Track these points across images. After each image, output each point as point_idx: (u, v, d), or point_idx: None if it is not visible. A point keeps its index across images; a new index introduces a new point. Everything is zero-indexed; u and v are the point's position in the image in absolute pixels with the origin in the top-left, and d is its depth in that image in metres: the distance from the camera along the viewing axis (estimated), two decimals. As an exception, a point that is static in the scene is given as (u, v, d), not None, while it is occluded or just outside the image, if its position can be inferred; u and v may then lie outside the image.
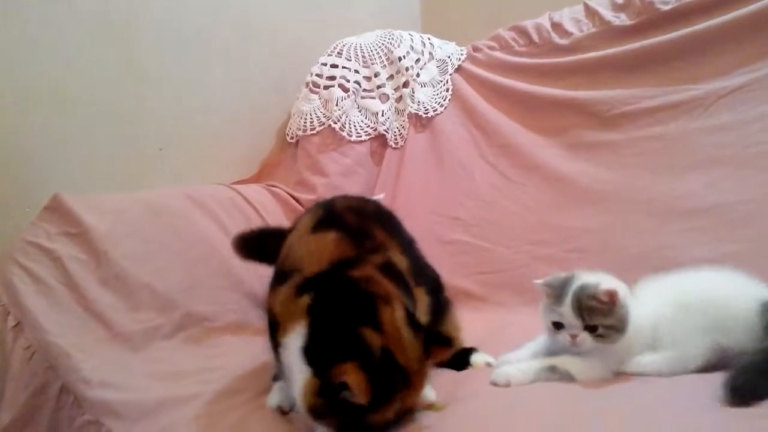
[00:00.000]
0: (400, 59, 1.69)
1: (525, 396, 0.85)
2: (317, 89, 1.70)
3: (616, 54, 1.44)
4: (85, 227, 1.14)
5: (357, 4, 2.05)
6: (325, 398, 0.70)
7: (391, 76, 1.71)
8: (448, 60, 1.70)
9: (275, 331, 0.81)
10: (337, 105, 1.66)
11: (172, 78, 1.51)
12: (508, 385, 0.88)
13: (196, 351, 1.09)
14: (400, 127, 1.66)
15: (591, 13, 1.52)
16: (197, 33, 1.56)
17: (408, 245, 0.96)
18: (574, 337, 0.87)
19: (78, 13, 1.32)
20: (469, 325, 1.07)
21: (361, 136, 1.66)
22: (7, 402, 0.96)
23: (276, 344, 0.84)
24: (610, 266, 0.96)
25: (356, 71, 1.70)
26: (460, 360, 1.00)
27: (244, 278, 1.29)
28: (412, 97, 1.66)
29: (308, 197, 1.57)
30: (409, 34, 1.76)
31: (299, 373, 0.73)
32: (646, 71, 1.39)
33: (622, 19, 1.46)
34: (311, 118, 1.67)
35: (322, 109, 1.68)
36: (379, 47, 1.73)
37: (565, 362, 0.89)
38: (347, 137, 1.65)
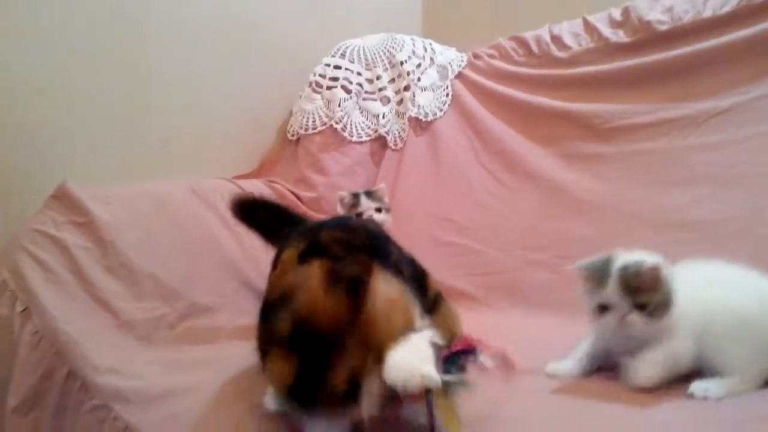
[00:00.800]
0: (401, 63, 1.73)
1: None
2: (320, 89, 1.73)
3: (613, 70, 1.49)
4: (92, 217, 1.16)
5: (358, 6, 2.07)
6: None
7: (393, 80, 1.75)
8: (448, 66, 1.74)
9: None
10: (339, 106, 1.69)
11: (177, 73, 1.53)
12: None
13: (200, 341, 1.11)
14: (400, 130, 1.70)
15: (590, 28, 1.57)
16: (203, 29, 1.58)
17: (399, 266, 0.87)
18: (622, 317, 0.84)
19: (86, 5, 1.34)
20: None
21: (361, 137, 1.70)
22: (14, 386, 0.98)
23: None
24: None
25: (359, 73, 1.74)
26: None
27: (246, 271, 1.32)
28: (412, 100, 1.69)
29: (309, 195, 1.60)
30: (411, 39, 1.80)
31: None
32: (640, 88, 1.44)
33: (619, 36, 1.51)
34: (314, 118, 1.70)
35: (324, 109, 1.71)
36: (382, 50, 1.76)
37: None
38: (348, 138, 1.68)
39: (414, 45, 1.78)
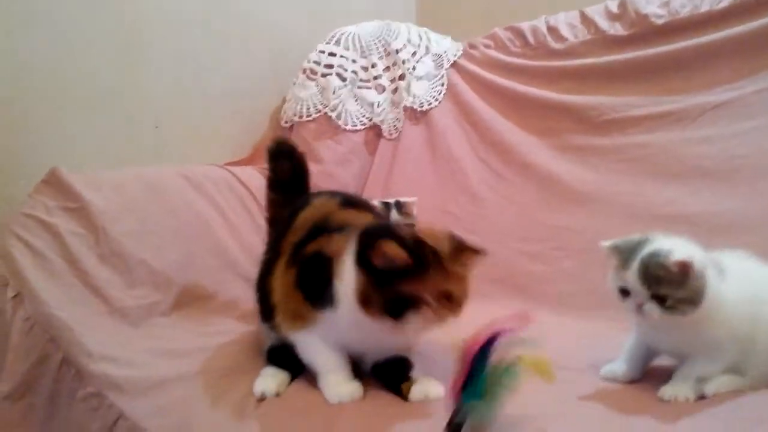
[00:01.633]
0: (397, 51, 1.72)
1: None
2: (314, 76, 1.71)
3: (609, 62, 1.49)
4: (84, 202, 1.14)
5: (353, -8, 2.06)
6: (372, 278, 0.78)
7: (388, 68, 1.73)
8: (444, 55, 1.73)
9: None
10: (334, 93, 1.68)
11: (170, 57, 1.52)
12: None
13: (193, 329, 1.11)
14: (395, 119, 1.69)
15: (587, 20, 1.56)
16: (195, 14, 1.56)
17: None
18: (639, 305, 0.81)
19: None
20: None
21: (356, 126, 1.68)
22: (6, 372, 0.97)
23: (274, 325, 0.91)
24: (593, 265, 1.00)
25: (354, 61, 1.72)
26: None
27: (238, 259, 1.32)
28: (407, 89, 1.68)
29: (302, 183, 1.59)
30: (407, 27, 1.78)
31: (353, 284, 0.80)
32: (636, 81, 1.44)
33: (616, 29, 1.51)
34: (308, 105, 1.69)
35: (318, 97, 1.69)
36: (377, 38, 1.75)
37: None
38: (343, 126, 1.67)
39: (409, 33, 1.76)
